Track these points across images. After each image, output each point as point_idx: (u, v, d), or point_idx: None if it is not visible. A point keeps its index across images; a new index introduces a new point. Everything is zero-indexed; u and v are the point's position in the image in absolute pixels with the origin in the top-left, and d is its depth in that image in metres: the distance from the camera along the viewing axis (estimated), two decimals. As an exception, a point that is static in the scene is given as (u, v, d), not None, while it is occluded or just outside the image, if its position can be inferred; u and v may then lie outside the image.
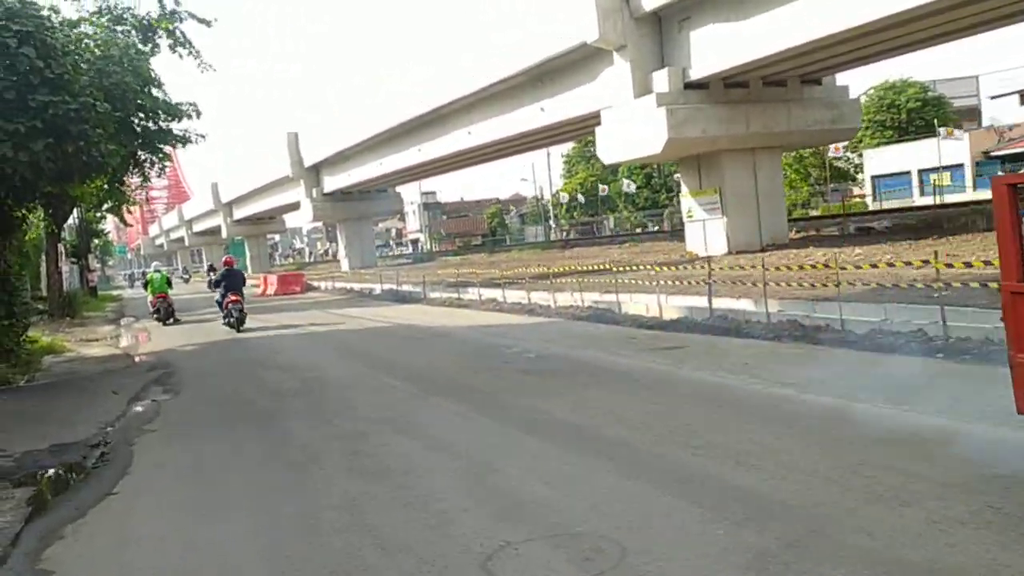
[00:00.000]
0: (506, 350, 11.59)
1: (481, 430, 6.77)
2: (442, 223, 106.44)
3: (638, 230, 56.31)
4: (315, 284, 36.58)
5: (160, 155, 26.53)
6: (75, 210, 47.60)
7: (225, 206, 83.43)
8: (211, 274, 34.46)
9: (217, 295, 19.29)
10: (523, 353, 11.10)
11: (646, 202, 60.29)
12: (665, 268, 16.76)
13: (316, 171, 56.57)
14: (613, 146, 25.36)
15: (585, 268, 20.34)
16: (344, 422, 7.58)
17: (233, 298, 18.38)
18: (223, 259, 21.78)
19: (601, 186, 58.63)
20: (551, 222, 75.30)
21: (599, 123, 26.10)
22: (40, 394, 11.08)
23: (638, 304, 14.76)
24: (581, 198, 64.71)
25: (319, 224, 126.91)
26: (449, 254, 65.26)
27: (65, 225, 52.52)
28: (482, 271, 25.00)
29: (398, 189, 61.42)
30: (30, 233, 28.32)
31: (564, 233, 66.12)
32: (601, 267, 21.03)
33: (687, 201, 26.73)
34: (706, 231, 25.45)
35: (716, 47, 22.44)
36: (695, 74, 23.44)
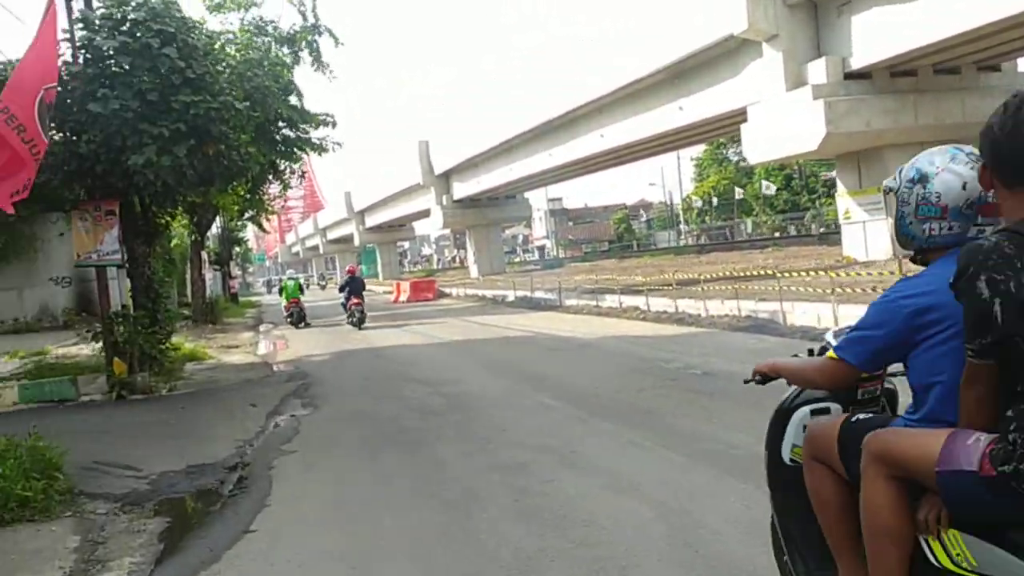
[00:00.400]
0: (665, 365, 10.43)
1: (667, 467, 5.67)
2: (568, 229, 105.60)
3: (776, 234, 53.58)
4: (447, 290, 36.35)
5: (296, 160, 26.88)
6: (217, 218, 49.72)
7: (357, 214, 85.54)
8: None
9: (342, 298, 23.04)
10: (686, 369, 9.92)
11: (785, 205, 57.37)
12: (830, 274, 15.11)
13: (446, 178, 56.87)
14: (762, 144, 23.66)
15: (734, 274, 18.87)
16: (500, 449, 6.66)
17: (355, 301, 21.82)
18: (347, 268, 26.14)
19: (737, 189, 56.13)
20: (681, 227, 73.11)
21: (744, 120, 24.46)
22: (180, 405, 10.77)
23: (805, 314, 13.24)
24: (715, 201, 62.27)
25: (446, 231, 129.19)
26: (576, 260, 64.38)
27: (208, 233, 55.10)
28: (616, 277, 23.88)
29: (526, 195, 60.98)
30: (175, 240, 29.32)
31: (696, 238, 63.90)
32: (749, 273, 19.48)
33: (844, 201, 24.64)
34: (866, 234, 23.33)
35: (881, 32, 20.47)
36: (856, 63, 21.50)
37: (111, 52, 10.15)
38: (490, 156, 47.94)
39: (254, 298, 63.15)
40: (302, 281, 57.73)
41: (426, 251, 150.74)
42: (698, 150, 71.67)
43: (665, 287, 18.79)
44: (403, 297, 33.90)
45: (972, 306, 1.90)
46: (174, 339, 18.60)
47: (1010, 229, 1.90)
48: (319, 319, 27.81)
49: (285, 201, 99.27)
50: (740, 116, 24.91)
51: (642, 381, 9.30)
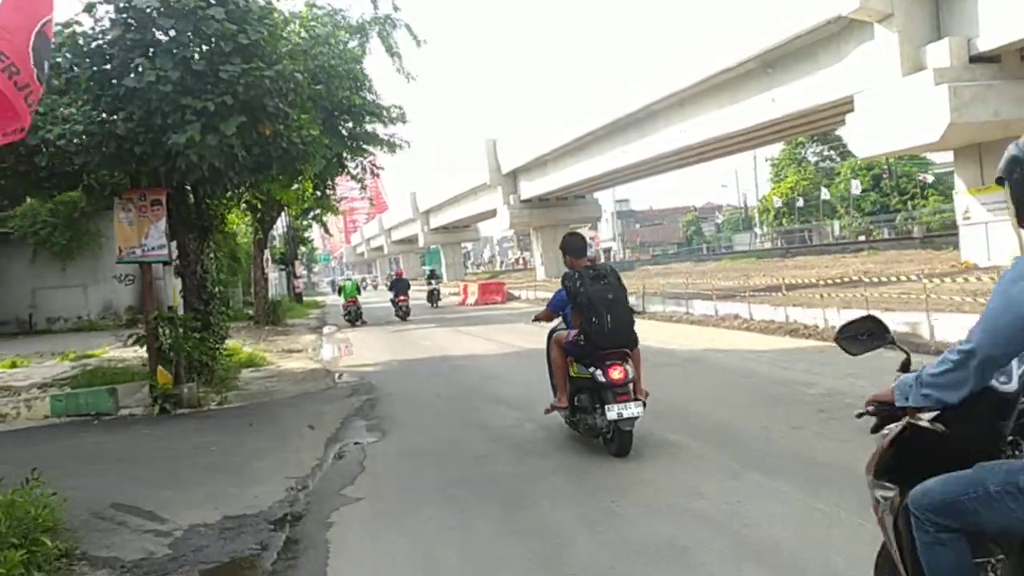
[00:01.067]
0: (806, 390, 8.55)
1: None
2: (635, 232, 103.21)
3: (861, 237, 50.52)
4: (515, 293, 34.71)
5: (367, 155, 25.57)
6: (282, 217, 49.07)
7: (422, 214, 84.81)
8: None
9: (391, 295, 28.33)
10: (835, 397, 8.02)
11: (873, 206, 54.19)
12: (981, 279, 12.96)
13: (513, 177, 55.37)
14: (872, 135, 21.36)
15: (839, 279, 16.81)
16: (634, 516, 4.91)
17: (401, 298, 27.18)
18: (396, 271, 34.69)
19: (823, 189, 53.20)
20: (756, 229, 70.25)
21: (848, 110, 22.22)
22: (229, 423, 9.32)
23: (958, 327, 11.15)
24: (801, 201, 59.33)
25: (510, 233, 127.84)
26: (645, 263, 62.09)
27: (273, 232, 54.63)
28: (698, 281, 21.90)
29: (595, 195, 59.08)
30: (239, 238, 28.35)
31: (773, 241, 61.02)
32: (845, 278, 17.35)
33: (963, 200, 22.16)
34: (988, 235, 20.87)
35: (1013, 10, 18.09)
36: (983, 44, 19.14)
37: (153, 14, 8.73)
38: (560, 154, 46.22)
39: (319, 298, 62.62)
40: (369, 281, 56.22)
41: (488, 253, 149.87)
42: (774, 150, 68.76)
43: (759, 293, 16.78)
44: (471, 299, 32.39)
45: None
46: (232, 342, 17.43)
47: None
48: (382, 320, 26.47)
49: (351, 202, 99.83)
50: (843, 106, 22.70)
51: (790, 414, 7.45)
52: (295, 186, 27.82)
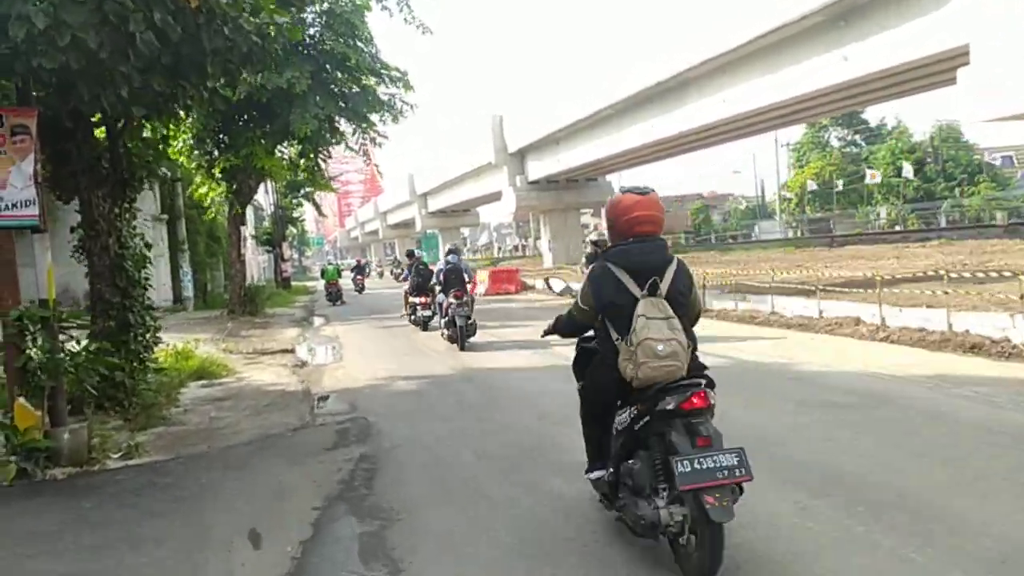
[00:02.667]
0: None
1: None
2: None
3: (896, 228, 46.68)
4: (528, 282, 30.60)
5: (364, 124, 21.53)
6: (269, 194, 44.80)
7: (420, 197, 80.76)
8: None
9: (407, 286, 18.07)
10: None
11: (915, 193, 50.23)
12: None
13: (520, 157, 51.29)
14: (994, 96, 17.25)
15: (948, 272, 12.92)
16: None
17: (423, 300, 16.61)
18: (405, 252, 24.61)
19: (870, 172, 49.14)
20: (776, 217, 66.37)
21: (958, 65, 18.21)
22: (122, 506, 5.36)
23: None
24: (840, 185, 55.34)
25: (508, 219, 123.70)
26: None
27: (258, 211, 50.33)
28: (753, 272, 18.09)
29: (608, 178, 54.99)
30: (209, 213, 24.25)
31: (796, 229, 57.07)
32: (940, 270, 13.44)
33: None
34: None
35: None
36: None
37: None
38: (574, 131, 42.15)
39: (309, 283, 58.47)
40: (373, 268, 52.84)
41: (485, 239, 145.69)
42: (797, 133, 64.83)
43: (858, 288, 12.76)
44: (480, 289, 28.33)
45: None
46: (188, 339, 13.48)
47: None
48: (380, 312, 22.48)
49: (345, 184, 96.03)
50: (944, 62, 18.70)
51: None
52: (282, 152, 23.85)
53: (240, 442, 7.17)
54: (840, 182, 56.09)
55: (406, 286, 18.46)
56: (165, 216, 27.92)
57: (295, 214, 51.91)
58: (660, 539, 3.80)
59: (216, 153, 21.85)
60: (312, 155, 22.01)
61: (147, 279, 8.73)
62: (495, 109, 60.28)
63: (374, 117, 21.34)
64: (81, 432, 6.54)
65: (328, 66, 20.83)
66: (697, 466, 3.45)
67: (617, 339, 3.93)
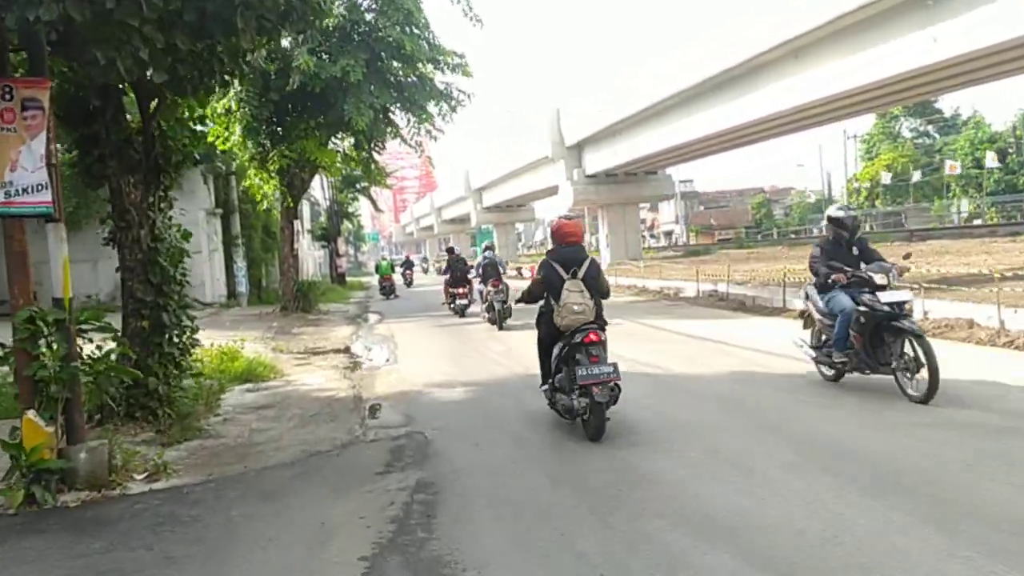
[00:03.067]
0: None
1: None
2: (700, 214, 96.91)
3: (976, 221, 44.28)
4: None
5: (422, 115, 20.69)
6: (324, 188, 44.41)
7: (475, 192, 79.98)
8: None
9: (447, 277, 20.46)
10: None
11: (996, 185, 47.64)
12: None
13: (578, 150, 50.05)
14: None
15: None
16: None
17: (461, 291, 19.37)
18: (446, 247, 29.89)
19: (949, 163, 46.75)
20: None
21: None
22: (138, 543, 4.50)
23: None
24: (918, 175, 52.86)
25: (562, 212, 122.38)
26: (710, 248, 56.10)
27: (318, 208, 50.04)
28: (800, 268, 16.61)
29: (668, 172, 53.43)
30: (260, 207, 23.66)
31: (870, 223, 54.63)
32: None
33: None
34: None
35: None
36: None
37: None
38: (635, 122, 40.76)
39: (365, 279, 58.19)
40: (418, 263, 53.02)
41: (539, 236, 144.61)
42: (866, 125, 62.36)
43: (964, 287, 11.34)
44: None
45: None
46: (237, 338, 12.77)
47: None
48: (433, 309, 21.61)
49: (400, 180, 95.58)
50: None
51: None
52: (336, 144, 23.15)
53: (281, 462, 6.28)
54: (918, 173, 53.54)
55: (447, 277, 20.55)
56: (219, 210, 27.56)
57: (350, 209, 51.53)
58: (576, 421, 6.51)
59: (269, 145, 21.26)
60: (366, 147, 21.23)
61: (184, 275, 7.89)
62: (551, 102, 59.10)
63: (431, 107, 20.50)
64: (100, 450, 5.70)
65: (383, 54, 20.04)
66: (589, 371, 6.17)
67: (553, 303, 6.63)
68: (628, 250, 50.69)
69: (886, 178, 52.30)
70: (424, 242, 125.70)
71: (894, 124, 62.30)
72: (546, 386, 6.90)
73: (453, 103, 20.22)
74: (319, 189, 46.66)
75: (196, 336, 8.12)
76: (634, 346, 11.81)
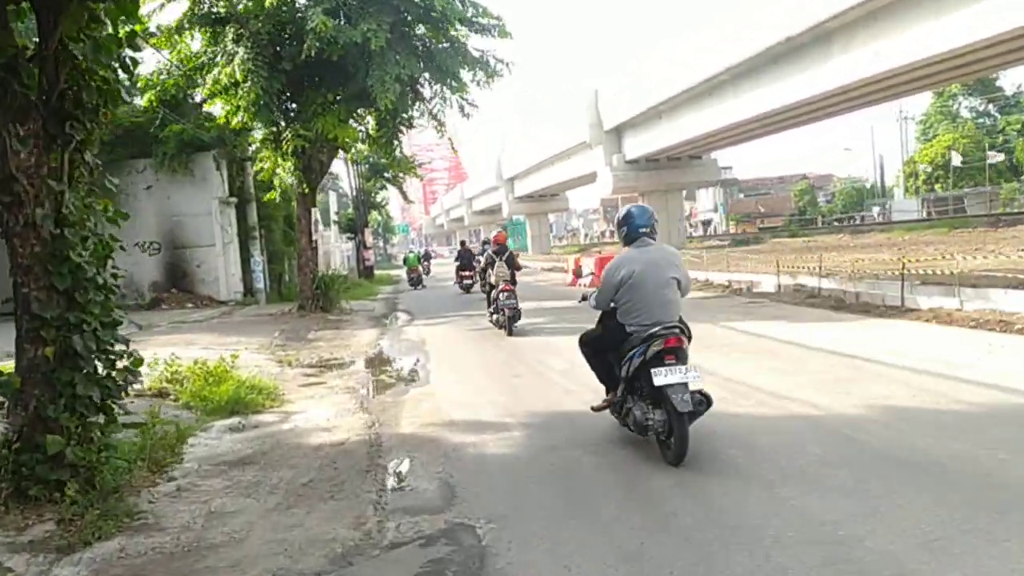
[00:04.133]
0: None
1: None
2: (739, 202, 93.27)
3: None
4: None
5: (455, 86, 18.08)
6: (349, 175, 41.89)
7: (507, 182, 77.45)
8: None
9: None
10: None
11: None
12: None
13: (617, 134, 47.22)
14: None
15: None
16: None
17: (467, 273, 25.48)
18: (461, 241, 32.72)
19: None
20: (888, 198, 60.37)
21: None
22: None
23: None
24: (999, 157, 49.31)
25: (595, 204, 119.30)
26: (759, 238, 52.81)
27: (345, 198, 47.64)
28: (902, 259, 13.81)
29: (712, 156, 50.36)
30: (272, 193, 21.14)
31: (924, 209, 51.07)
32: None
33: None
34: None
35: None
36: None
37: None
38: (680, 102, 37.84)
39: (394, 272, 55.76)
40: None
41: (573, 224, 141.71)
42: (922, 105, 58.66)
43: None
44: (585, 279, 24.55)
45: None
46: (251, 339, 10.29)
47: None
48: (470, 310, 18.99)
49: (429, 172, 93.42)
50: None
51: None
52: (356, 121, 20.54)
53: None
54: (993, 153, 49.87)
55: (458, 264, 26.82)
56: (234, 199, 25.18)
57: (378, 198, 49.08)
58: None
59: (283, 123, 18.78)
60: (391, 124, 18.63)
61: (115, 277, 5.30)
62: (587, 84, 55.70)
63: (465, 76, 17.88)
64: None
65: (409, 17, 17.45)
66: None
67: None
68: (671, 239, 47.64)
69: (957, 159, 48.51)
70: (454, 233, 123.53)
71: (951, 103, 58.56)
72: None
73: (490, 71, 17.57)
74: (345, 179, 44.26)
75: (136, 363, 5.50)
76: (735, 361, 9.06)
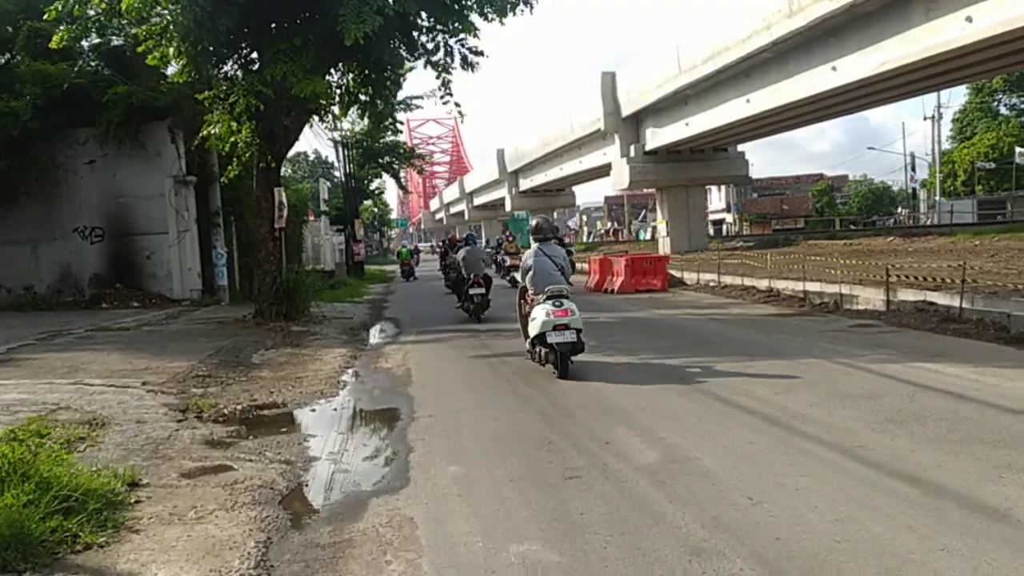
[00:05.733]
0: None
1: None
2: (753, 202, 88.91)
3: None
4: (675, 274, 22.30)
5: (457, 25, 13.86)
6: (340, 163, 37.54)
7: (510, 175, 73.25)
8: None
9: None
10: None
11: None
12: None
13: (636, 123, 42.88)
14: None
15: None
16: None
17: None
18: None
19: None
20: (918, 199, 56.30)
21: None
22: None
23: None
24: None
25: (599, 201, 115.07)
26: (790, 238, 48.51)
27: (338, 187, 43.24)
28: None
29: (739, 148, 45.98)
30: (231, 171, 16.86)
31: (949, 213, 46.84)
32: None
33: None
34: None
35: None
36: None
37: None
38: (712, 84, 33.48)
39: (388, 267, 51.50)
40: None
41: (573, 223, 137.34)
42: (959, 101, 54.52)
43: None
44: (615, 284, 20.26)
45: None
46: (165, 363, 6.57)
47: None
48: (469, 322, 14.77)
49: (430, 166, 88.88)
50: None
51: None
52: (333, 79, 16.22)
53: None
54: (1021, 151, 45.66)
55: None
56: (192, 178, 20.88)
57: (373, 186, 44.80)
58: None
59: (240, 76, 14.57)
60: (374, 78, 14.38)
61: None
62: (601, 68, 50.81)
63: (474, 18, 13.64)
64: None
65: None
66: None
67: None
68: (691, 239, 43.48)
69: (1020, 153, 44.02)
70: (454, 228, 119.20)
71: (991, 99, 54.40)
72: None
73: (503, 3, 13.25)
74: (339, 170, 39.98)
75: None
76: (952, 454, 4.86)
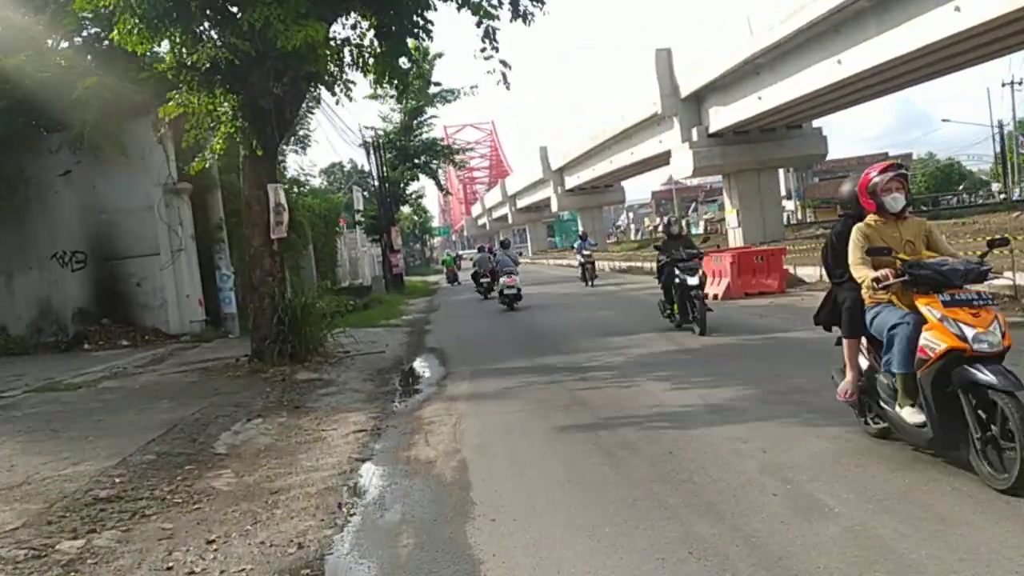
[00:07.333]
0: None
1: None
2: (816, 186, 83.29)
3: None
4: (790, 270, 17.65)
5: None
6: (372, 166, 33.55)
7: (555, 173, 69.03)
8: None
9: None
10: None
11: None
12: None
13: (696, 102, 38.46)
14: None
15: None
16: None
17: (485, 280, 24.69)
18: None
19: None
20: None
21: None
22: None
23: None
24: None
25: (646, 198, 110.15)
26: (815, 225, 43.22)
27: (373, 198, 39.36)
28: None
29: (816, 125, 41.12)
30: (200, 162, 12.77)
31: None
32: None
33: None
34: None
35: None
36: None
37: None
38: (794, 47, 28.94)
39: (432, 277, 47.61)
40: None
41: (622, 220, 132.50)
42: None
43: None
44: (718, 287, 15.74)
45: None
46: (93, 447, 4.72)
47: None
48: (548, 351, 10.57)
49: (470, 172, 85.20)
50: None
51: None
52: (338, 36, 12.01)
53: None
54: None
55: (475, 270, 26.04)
56: (187, 185, 16.96)
57: (410, 190, 40.96)
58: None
59: (214, 34, 10.60)
60: (393, 28, 10.31)
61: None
62: (654, 46, 45.49)
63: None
64: None
65: None
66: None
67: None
68: (766, 229, 38.81)
69: None
70: (497, 234, 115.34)
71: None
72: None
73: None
74: (372, 175, 36.16)
75: None
76: None
